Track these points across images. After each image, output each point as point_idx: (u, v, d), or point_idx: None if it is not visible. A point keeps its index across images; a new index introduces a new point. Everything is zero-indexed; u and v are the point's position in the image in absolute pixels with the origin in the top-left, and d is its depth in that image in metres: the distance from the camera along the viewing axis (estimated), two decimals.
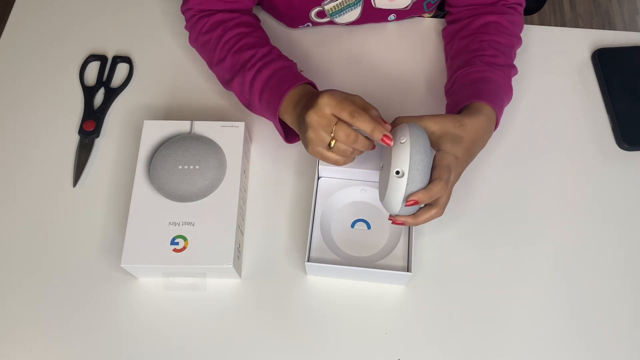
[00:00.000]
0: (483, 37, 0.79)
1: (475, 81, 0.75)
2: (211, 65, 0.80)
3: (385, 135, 0.62)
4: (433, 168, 0.64)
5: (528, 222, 0.77)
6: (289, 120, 0.71)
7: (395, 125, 0.67)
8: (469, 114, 0.70)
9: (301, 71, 0.77)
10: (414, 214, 0.65)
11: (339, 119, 0.63)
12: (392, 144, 0.63)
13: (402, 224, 0.66)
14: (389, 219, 0.68)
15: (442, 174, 0.64)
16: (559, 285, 0.74)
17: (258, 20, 0.84)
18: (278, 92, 0.71)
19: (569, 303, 0.73)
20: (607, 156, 0.82)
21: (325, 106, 0.63)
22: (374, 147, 0.67)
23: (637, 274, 0.75)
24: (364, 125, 0.62)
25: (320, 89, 0.85)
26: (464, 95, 0.74)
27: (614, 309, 0.73)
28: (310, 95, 0.68)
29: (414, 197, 0.62)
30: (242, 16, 0.79)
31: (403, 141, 0.63)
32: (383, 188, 0.66)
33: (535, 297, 0.73)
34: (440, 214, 0.66)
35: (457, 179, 0.68)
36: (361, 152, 0.66)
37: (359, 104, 0.65)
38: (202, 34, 0.78)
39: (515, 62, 0.84)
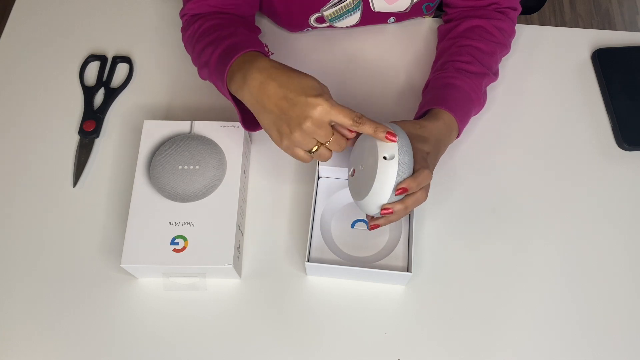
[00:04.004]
0: (463, 42, 0.79)
1: (442, 87, 0.76)
2: (192, 58, 0.78)
3: (388, 132, 0.61)
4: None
5: (528, 222, 0.77)
6: (237, 89, 0.65)
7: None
8: (428, 118, 0.71)
9: (272, 53, 0.75)
10: (401, 200, 0.64)
11: (334, 129, 0.61)
12: (396, 139, 0.61)
13: (391, 212, 0.63)
14: (371, 225, 0.66)
15: (422, 163, 0.64)
16: (559, 285, 0.74)
17: (253, 26, 0.82)
18: (224, 62, 0.67)
19: (569, 303, 0.73)
20: (607, 156, 0.82)
21: (325, 115, 0.59)
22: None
23: (637, 273, 0.75)
24: (367, 127, 0.61)
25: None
26: (428, 99, 0.75)
27: (615, 309, 0.73)
28: (270, 72, 0.62)
29: (404, 185, 0.61)
30: (227, 14, 0.78)
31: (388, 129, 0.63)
32: (364, 184, 0.65)
33: (535, 297, 0.73)
34: (424, 198, 0.65)
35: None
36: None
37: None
38: (186, 31, 0.78)
39: (514, 62, 0.84)
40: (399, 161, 0.61)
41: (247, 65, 0.64)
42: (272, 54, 0.76)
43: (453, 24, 0.83)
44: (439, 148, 0.71)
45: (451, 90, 0.75)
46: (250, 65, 0.63)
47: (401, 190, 0.62)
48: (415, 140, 0.67)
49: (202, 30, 0.75)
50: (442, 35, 0.85)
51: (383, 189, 0.62)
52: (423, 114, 0.75)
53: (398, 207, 0.63)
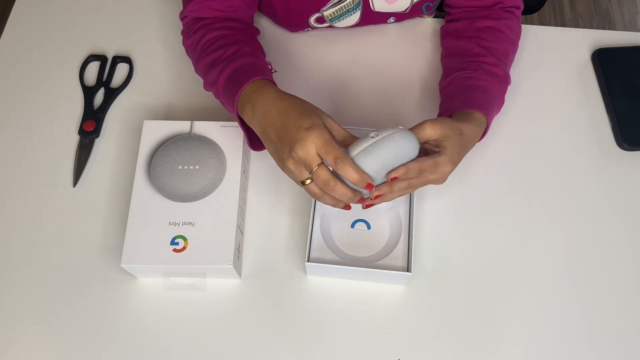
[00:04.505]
0: (482, 43, 0.79)
1: (473, 88, 0.75)
2: (194, 67, 0.79)
3: (368, 184, 0.61)
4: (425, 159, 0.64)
5: (528, 222, 0.77)
6: (247, 119, 0.68)
7: None
8: (467, 122, 0.70)
9: (274, 71, 0.76)
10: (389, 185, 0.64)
11: (322, 162, 0.61)
12: (373, 190, 0.62)
13: (378, 195, 0.64)
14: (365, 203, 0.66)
15: (426, 161, 0.64)
16: (559, 286, 0.74)
17: (252, 29, 0.83)
18: (233, 89, 0.69)
19: (569, 303, 0.73)
20: (607, 156, 0.82)
21: (312, 145, 0.60)
22: (348, 207, 0.66)
23: (637, 273, 0.75)
24: (348, 173, 0.60)
25: (322, 91, 0.86)
26: (461, 100, 0.74)
27: (615, 308, 0.73)
28: (275, 104, 0.64)
29: (395, 174, 0.62)
30: (228, 22, 0.78)
31: (400, 127, 0.63)
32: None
33: (535, 297, 0.73)
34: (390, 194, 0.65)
35: (444, 180, 0.67)
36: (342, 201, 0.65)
37: (342, 138, 0.64)
38: (188, 38, 0.79)
39: (515, 63, 0.84)
40: (375, 142, 0.61)
41: (255, 96, 0.66)
42: (276, 72, 0.77)
43: (462, 23, 0.82)
44: (464, 155, 0.69)
45: (484, 93, 0.74)
46: (258, 96, 0.66)
47: (393, 178, 0.63)
48: (450, 146, 0.65)
49: (205, 43, 0.75)
50: (448, 33, 0.84)
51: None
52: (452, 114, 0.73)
53: (385, 189, 0.64)
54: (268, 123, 0.64)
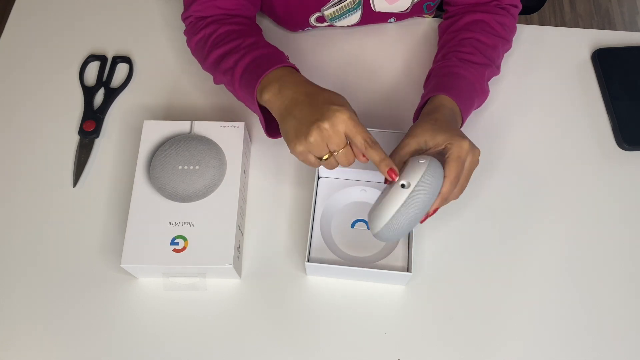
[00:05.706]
0: (464, 35, 0.79)
1: (445, 75, 0.76)
2: (203, 62, 0.79)
3: (390, 169, 0.62)
4: (444, 164, 0.64)
5: (528, 222, 0.77)
6: (268, 98, 0.67)
7: None
8: (435, 110, 0.70)
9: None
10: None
11: (348, 143, 0.62)
12: (396, 179, 0.62)
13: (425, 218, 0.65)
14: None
15: (450, 169, 0.63)
16: (559, 285, 0.74)
17: (257, 27, 0.82)
18: (257, 72, 0.69)
19: (569, 303, 0.73)
20: (607, 156, 0.82)
21: (342, 123, 0.61)
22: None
23: (638, 273, 0.75)
24: (375, 155, 0.62)
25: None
26: (430, 87, 0.75)
27: (615, 308, 0.73)
28: (305, 86, 0.66)
29: (435, 206, 0.64)
30: (236, 18, 0.78)
31: (422, 161, 0.62)
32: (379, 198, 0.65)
33: (535, 297, 0.73)
34: (457, 196, 0.66)
35: (476, 148, 0.66)
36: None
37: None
38: (195, 35, 0.78)
39: (514, 62, 0.84)
40: (410, 193, 0.61)
41: (285, 78, 0.67)
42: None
43: (454, 19, 0.83)
44: (456, 126, 0.70)
45: (455, 79, 0.75)
46: (288, 78, 0.67)
47: (433, 212, 0.64)
48: (441, 137, 0.66)
49: (218, 36, 0.75)
50: (443, 31, 0.85)
51: (385, 212, 0.63)
52: (425, 102, 0.74)
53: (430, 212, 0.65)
54: (294, 101, 0.65)
